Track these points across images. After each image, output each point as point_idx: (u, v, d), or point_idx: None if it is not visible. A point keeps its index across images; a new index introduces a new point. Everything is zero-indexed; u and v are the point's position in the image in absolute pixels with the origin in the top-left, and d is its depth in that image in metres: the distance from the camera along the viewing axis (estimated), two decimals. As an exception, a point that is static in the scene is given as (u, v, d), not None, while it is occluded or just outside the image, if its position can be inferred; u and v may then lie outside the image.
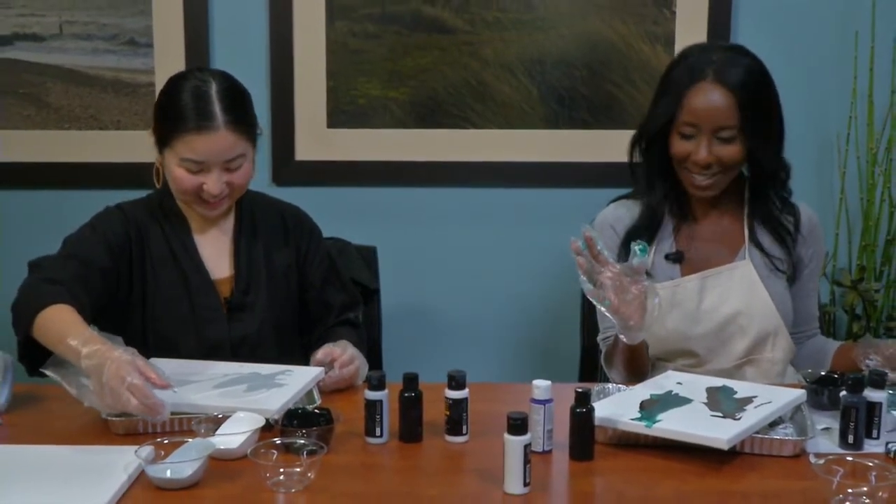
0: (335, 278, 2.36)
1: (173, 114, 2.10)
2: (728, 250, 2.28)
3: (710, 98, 2.14)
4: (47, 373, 1.92)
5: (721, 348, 2.24)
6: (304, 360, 2.19)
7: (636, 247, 2.00)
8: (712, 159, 2.15)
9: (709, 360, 2.25)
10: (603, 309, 2.01)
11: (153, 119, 2.18)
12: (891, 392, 1.89)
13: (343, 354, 2.11)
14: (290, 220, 2.33)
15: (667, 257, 2.27)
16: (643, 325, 2.04)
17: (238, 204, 2.26)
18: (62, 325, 1.92)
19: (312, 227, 2.36)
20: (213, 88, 2.11)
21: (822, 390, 1.98)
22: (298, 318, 2.33)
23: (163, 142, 2.13)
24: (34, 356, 1.99)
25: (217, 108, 2.09)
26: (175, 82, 2.16)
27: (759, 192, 2.26)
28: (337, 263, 2.40)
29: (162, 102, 2.17)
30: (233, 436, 1.76)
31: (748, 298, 2.22)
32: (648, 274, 2.17)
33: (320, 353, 2.11)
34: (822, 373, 2.04)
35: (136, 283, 2.19)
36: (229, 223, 2.27)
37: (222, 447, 1.73)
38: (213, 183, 2.10)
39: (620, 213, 2.33)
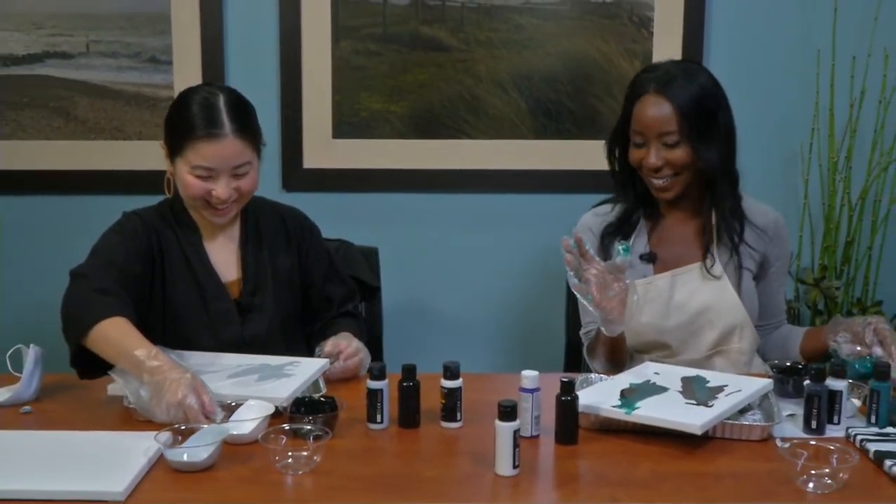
0: (334, 273, 2.35)
1: (184, 123, 2.08)
2: (695, 250, 2.28)
3: (652, 109, 2.17)
4: (114, 377, 1.88)
5: (691, 340, 2.24)
6: (309, 351, 2.18)
7: (619, 246, 2.01)
8: (661, 163, 2.18)
9: (681, 352, 2.24)
10: (585, 303, 2.02)
11: (164, 131, 2.15)
12: (857, 365, 1.90)
13: (348, 347, 2.10)
14: (289, 222, 2.31)
15: (641, 258, 2.27)
16: (623, 319, 2.05)
17: (243, 211, 2.24)
18: (124, 338, 1.90)
19: (311, 227, 2.35)
20: (221, 100, 2.09)
21: (787, 379, 1.98)
22: (302, 313, 2.32)
23: (174, 151, 2.10)
24: (85, 363, 1.98)
25: (225, 117, 2.07)
26: (185, 95, 2.14)
27: (717, 194, 2.24)
28: (334, 259, 2.38)
29: (173, 114, 2.13)
30: (245, 422, 1.75)
31: (715, 294, 2.22)
32: None
33: (328, 346, 2.11)
34: (788, 363, 2.04)
35: (156, 286, 2.16)
36: (236, 230, 2.25)
37: (235, 433, 1.72)
38: (221, 189, 2.08)
39: (600, 217, 2.34)
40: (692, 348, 2.24)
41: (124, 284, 2.04)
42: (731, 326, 2.23)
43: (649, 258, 2.27)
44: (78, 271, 2.05)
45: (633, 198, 2.29)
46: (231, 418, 1.77)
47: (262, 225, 2.27)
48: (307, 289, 2.31)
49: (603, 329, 2.10)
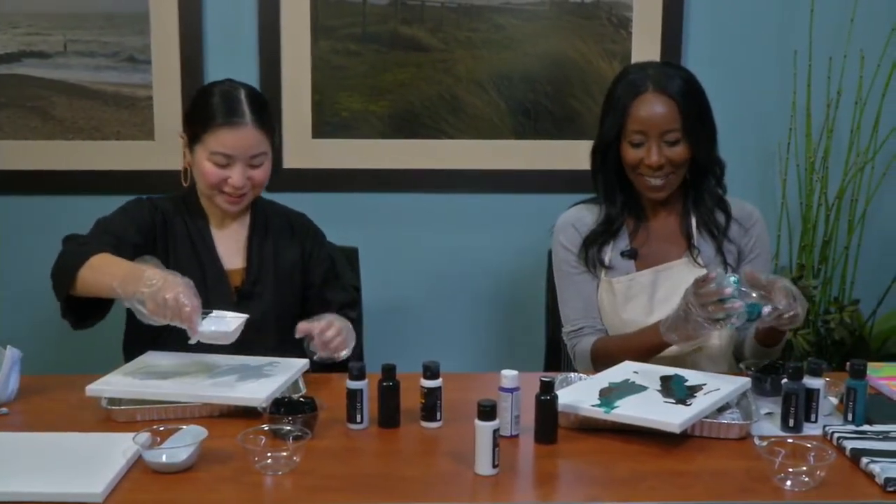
0: (335, 279, 2.38)
1: (206, 112, 2.17)
2: (677, 247, 2.29)
3: (653, 107, 2.17)
4: (117, 290, 1.92)
5: None
6: (301, 349, 2.18)
7: (731, 278, 1.94)
8: (663, 161, 2.18)
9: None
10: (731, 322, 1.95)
11: (184, 121, 2.28)
12: (734, 280, 1.91)
13: (319, 323, 2.11)
14: (296, 223, 2.38)
15: (622, 254, 2.28)
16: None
17: (253, 206, 2.31)
18: (114, 263, 2.00)
19: (316, 231, 2.41)
20: (242, 93, 2.20)
21: (765, 378, 1.99)
22: (301, 313, 2.32)
23: (194, 139, 2.18)
24: (76, 312, 2.07)
25: (246, 108, 2.17)
26: (206, 87, 2.27)
27: (698, 191, 2.28)
28: (338, 267, 2.41)
29: (194, 103, 2.24)
30: (227, 318, 1.94)
31: None
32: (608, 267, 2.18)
33: (300, 328, 2.11)
34: (765, 363, 2.05)
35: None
36: (245, 220, 2.31)
37: (214, 329, 1.91)
38: (237, 176, 2.16)
39: (581, 214, 2.35)
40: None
41: (118, 250, 2.09)
42: (710, 322, 2.23)
43: (630, 255, 2.28)
44: (69, 235, 2.13)
45: (619, 203, 2.29)
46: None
47: (270, 221, 2.34)
48: (307, 289, 2.34)
49: (676, 343, 2.06)
